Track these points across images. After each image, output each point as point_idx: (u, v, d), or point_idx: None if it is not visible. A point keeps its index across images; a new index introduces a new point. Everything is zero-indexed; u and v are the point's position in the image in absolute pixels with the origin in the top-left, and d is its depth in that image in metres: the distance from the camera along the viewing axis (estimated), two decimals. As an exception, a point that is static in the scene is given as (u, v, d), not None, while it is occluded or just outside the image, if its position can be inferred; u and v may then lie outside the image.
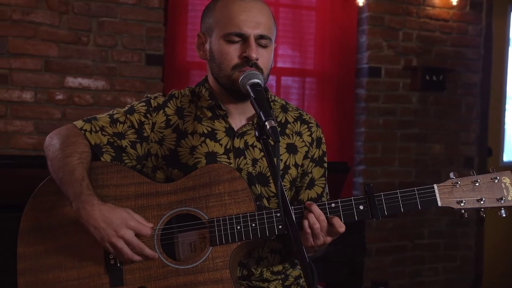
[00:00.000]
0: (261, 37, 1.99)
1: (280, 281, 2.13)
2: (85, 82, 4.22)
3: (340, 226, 1.90)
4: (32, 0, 4.07)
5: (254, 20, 1.98)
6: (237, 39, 1.98)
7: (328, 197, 2.23)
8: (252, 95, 1.85)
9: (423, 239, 5.23)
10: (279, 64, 4.90)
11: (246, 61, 1.97)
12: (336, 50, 5.00)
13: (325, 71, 5.00)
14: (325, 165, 2.22)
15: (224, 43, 2.00)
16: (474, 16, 5.33)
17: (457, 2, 5.17)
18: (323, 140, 2.22)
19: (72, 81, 4.19)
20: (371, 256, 5.00)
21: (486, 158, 5.42)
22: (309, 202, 1.94)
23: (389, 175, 5.06)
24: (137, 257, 1.87)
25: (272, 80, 4.87)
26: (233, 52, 1.99)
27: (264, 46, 2.01)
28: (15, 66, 4.05)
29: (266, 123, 1.73)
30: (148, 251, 1.88)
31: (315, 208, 1.91)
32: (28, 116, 4.09)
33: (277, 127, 2.08)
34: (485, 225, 5.45)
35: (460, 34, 5.28)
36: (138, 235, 1.86)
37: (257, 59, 1.97)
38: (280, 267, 2.13)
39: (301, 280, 2.17)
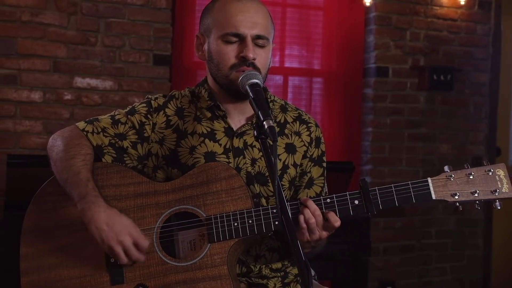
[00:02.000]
0: (258, 37, 2.02)
1: (280, 278, 2.15)
2: (93, 82, 4.27)
3: (335, 221, 1.92)
4: (41, 1, 4.12)
5: (251, 21, 2.01)
6: (234, 39, 2.01)
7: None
8: (251, 95, 1.88)
9: (431, 238, 5.22)
10: (286, 64, 4.93)
11: (243, 61, 2.00)
12: (344, 50, 5.01)
13: (332, 71, 5.01)
14: (324, 164, 2.24)
15: (222, 43, 2.03)
16: (483, 16, 5.32)
17: (465, 1, 5.16)
18: (322, 140, 2.24)
19: (80, 82, 4.24)
20: (378, 255, 5.01)
21: (494, 157, 5.40)
22: (305, 197, 1.97)
23: (396, 175, 5.06)
24: (131, 263, 1.92)
25: (279, 80, 4.90)
26: (231, 52, 2.02)
27: (262, 46, 2.03)
28: (24, 67, 4.10)
29: (264, 122, 1.75)
30: (143, 259, 1.92)
31: (310, 203, 1.93)
32: (37, 116, 4.14)
33: (276, 127, 2.13)
34: (493, 224, 5.43)
35: (468, 33, 5.28)
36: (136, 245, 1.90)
37: (254, 59, 2.00)
38: (279, 265, 2.16)
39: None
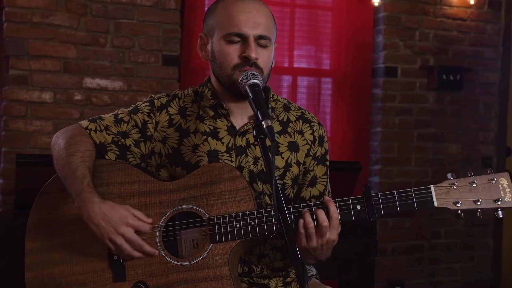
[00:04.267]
0: (260, 37, 2.03)
1: (281, 277, 2.16)
2: (102, 82, 4.31)
3: (323, 220, 1.91)
4: (52, 3, 4.17)
5: (254, 21, 2.03)
6: (237, 39, 2.03)
7: (330, 195, 2.25)
8: (250, 95, 1.90)
9: (440, 238, 5.22)
10: (295, 64, 4.94)
11: (246, 61, 2.01)
12: (352, 50, 5.02)
13: (341, 71, 5.02)
14: (327, 163, 2.25)
15: (225, 43, 2.05)
16: (493, 15, 5.30)
17: (475, 1, 5.15)
18: (326, 139, 2.25)
19: (90, 82, 4.28)
20: (387, 255, 5.01)
21: (504, 157, 5.38)
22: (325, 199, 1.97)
23: (405, 174, 5.06)
24: (136, 253, 1.93)
25: (288, 80, 4.92)
26: (233, 52, 2.04)
27: (264, 46, 2.05)
28: (35, 68, 4.15)
29: (263, 122, 1.77)
30: (147, 247, 1.93)
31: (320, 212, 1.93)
32: (47, 116, 4.19)
33: (276, 126, 2.15)
34: (503, 224, 5.41)
35: (478, 33, 5.26)
36: (138, 232, 1.92)
37: (256, 59, 2.01)
38: (281, 264, 2.17)
39: (302, 277, 2.20)
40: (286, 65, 4.90)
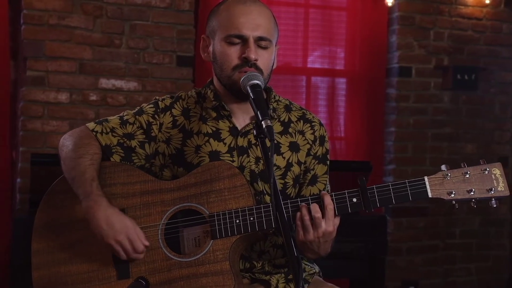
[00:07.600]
0: (260, 38, 2.07)
1: (283, 274, 2.19)
2: (118, 83, 4.38)
3: (316, 212, 1.95)
4: (68, 5, 4.25)
5: (254, 23, 2.06)
6: (237, 40, 2.07)
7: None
8: (251, 95, 1.93)
9: (455, 238, 5.21)
10: (310, 65, 4.97)
11: (246, 62, 2.05)
12: (367, 50, 5.03)
13: (355, 71, 5.04)
14: (328, 162, 2.28)
15: (225, 44, 2.09)
16: (509, 14, 5.28)
17: (490, 0, 5.13)
18: (326, 139, 2.28)
19: (106, 83, 4.35)
20: (401, 255, 5.01)
21: (521, 157, 5.36)
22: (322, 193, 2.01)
23: (419, 174, 4.98)
24: (130, 259, 2.00)
25: (302, 80, 4.95)
26: (234, 53, 2.07)
27: (264, 48, 2.08)
28: (52, 69, 4.23)
29: (262, 122, 1.81)
30: (141, 258, 2.00)
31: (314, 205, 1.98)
32: (63, 116, 4.27)
33: (273, 126, 2.18)
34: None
35: (494, 32, 5.25)
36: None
37: (256, 60, 2.05)
38: (282, 261, 2.20)
39: (305, 274, 2.23)
40: (300, 65, 4.92)
